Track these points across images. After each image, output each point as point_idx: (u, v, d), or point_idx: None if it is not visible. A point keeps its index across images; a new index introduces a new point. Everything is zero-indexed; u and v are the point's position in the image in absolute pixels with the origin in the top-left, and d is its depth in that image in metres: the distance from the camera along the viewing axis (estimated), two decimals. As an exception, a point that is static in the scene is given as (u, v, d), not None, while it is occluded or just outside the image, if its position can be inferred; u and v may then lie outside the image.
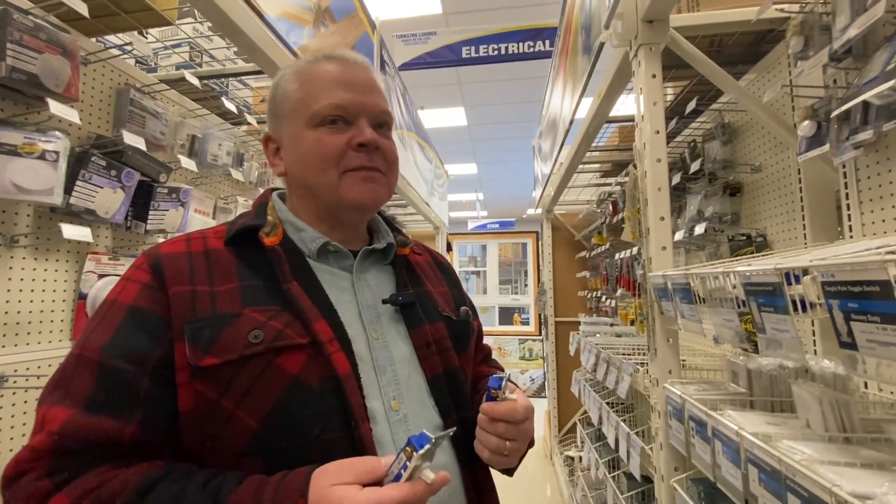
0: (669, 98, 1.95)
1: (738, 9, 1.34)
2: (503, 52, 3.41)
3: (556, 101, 3.06)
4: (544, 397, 5.13)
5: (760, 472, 0.69)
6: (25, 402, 1.16)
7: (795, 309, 0.61)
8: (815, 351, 1.23)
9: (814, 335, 1.23)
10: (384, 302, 0.66)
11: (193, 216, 1.62)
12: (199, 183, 1.76)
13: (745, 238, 1.48)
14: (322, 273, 0.64)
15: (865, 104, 0.85)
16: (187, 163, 1.54)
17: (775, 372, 0.97)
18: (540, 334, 7.02)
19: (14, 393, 1.14)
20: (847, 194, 1.05)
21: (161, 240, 1.47)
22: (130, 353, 0.53)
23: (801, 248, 1.14)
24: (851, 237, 1.04)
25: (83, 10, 1.16)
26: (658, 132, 1.23)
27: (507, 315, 8.41)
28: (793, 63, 1.05)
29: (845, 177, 1.05)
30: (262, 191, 2.08)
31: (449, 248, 5.52)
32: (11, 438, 1.13)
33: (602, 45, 1.53)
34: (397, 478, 0.44)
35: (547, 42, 3.38)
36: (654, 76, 1.25)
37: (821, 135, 1.02)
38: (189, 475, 0.49)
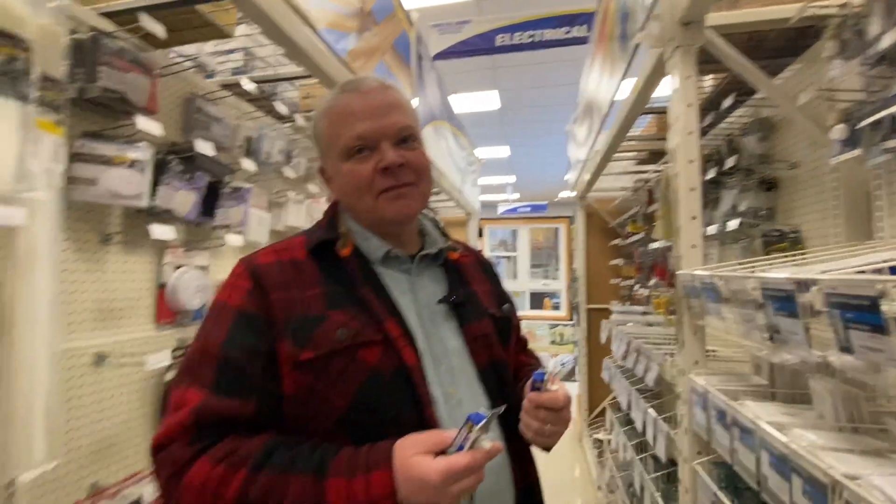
0: (708, 89, 1.94)
1: (777, 6, 1.34)
2: (537, 39, 3.40)
3: (592, 87, 3.05)
4: (574, 381, 5.21)
5: (771, 455, 0.77)
6: (120, 376, 1.35)
7: (807, 314, 0.68)
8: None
9: (842, 331, 1.26)
10: (439, 302, 0.75)
11: (252, 211, 1.78)
12: (255, 180, 1.91)
13: (778, 234, 1.50)
14: (386, 277, 0.74)
15: None
16: (247, 164, 1.69)
17: (798, 366, 1.03)
18: (571, 319, 7.04)
19: (111, 369, 1.33)
20: (879, 196, 1.07)
21: (227, 235, 1.64)
22: (244, 348, 0.64)
23: (832, 246, 1.17)
24: (881, 237, 1.06)
25: (160, 31, 1.30)
26: (691, 133, 1.27)
27: (537, 300, 8.44)
28: (830, 65, 1.07)
29: (878, 178, 1.07)
30: (311, 186, 2.20)
31: (479, 235, 5.58)
32: (111, 407, 1.33)
33: (638, 45, 1.55)
34: (460, 448, 0.55)
35: (584, 27, 3.34)
36: (688, 77, 1.28)
37: (854, 138, 1.04)
38: (299, 444, 0.61)
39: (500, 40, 3.42)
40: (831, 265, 0.67)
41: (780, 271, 0.71)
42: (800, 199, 1.50)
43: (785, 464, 0.72)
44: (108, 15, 1.33)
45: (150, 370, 1.40)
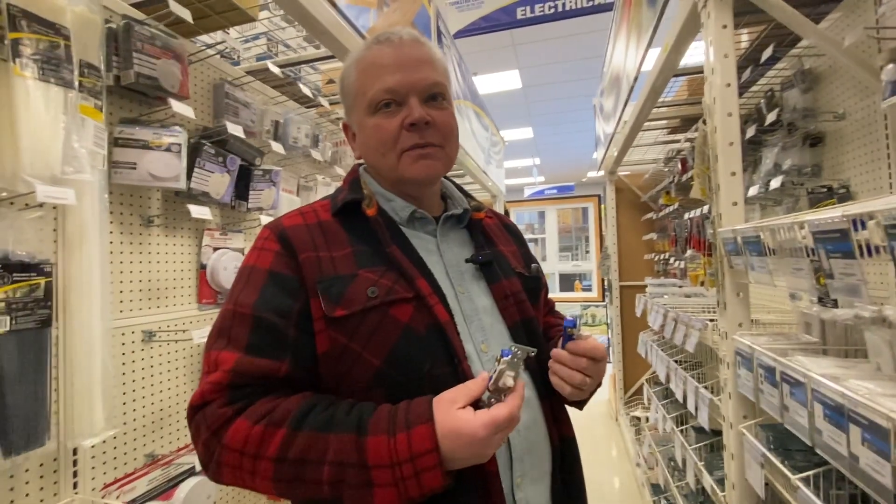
0: (744, 45, 1.84)
1: (821, -57, 1.25)
2: (560, 8, 3.29)
3: (618, 55, 2.94)
4: (609, 362, 5.13)
5: (825, 408, 0.73)
6: (168, 352, 1.42)
7: (862, 254, 0.64)
8: (901, 303, 1.19)
9: (898, 287, 1.19)
10: (467, 261, 0.75)
11: (283, 194, 1.82)
12: (283, 164, 1.95)
13: (826, 190, 1.42)
14: (412, 237, 0.73)
15: (959, 41, 0.81)
16: (276, 147, 1.72)
17: (851, 321, 0.97)
18: (603, 300, 6.93)
19: (160, 346, 1.39)
20: (941, 138, 0.99)
21: (262, 217, 1.68)
22: (277, 308, 0.64)
23: (885, 196, 1.10)
24: (944, 183, 0.99)
25: (187, 16, 1.33)
26: (729, 85, 1.21)
27: (567, 282, 8.34)
28: (878, 2, 0.99)
29: (939, 119, 1.00)
30: (337, 169, 2.23)
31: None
32: (161, 382, 1.40)
33: (668, -3, 1.48)
34: (489, 391, 0.57)
35: (607, -6, 3.21)
36: (724, 27, 1.22)
37: (910, 76, 0.97)
38: (336, 403, 0.61)
39: (521, 13, 3.33)
40: (888, 202, 0.63)
41: (831, 210, 0.67)
42: (848, 153, 1.41)
43: (841, 414, 0.69)
44: (137, 5, 1.37)
45: (196, 344, 1.47)
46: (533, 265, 0.86)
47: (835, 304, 1.28)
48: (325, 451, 0.55)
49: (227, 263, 1.56)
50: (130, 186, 1.30)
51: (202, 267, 1.53)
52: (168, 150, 1.28)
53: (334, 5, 1.47)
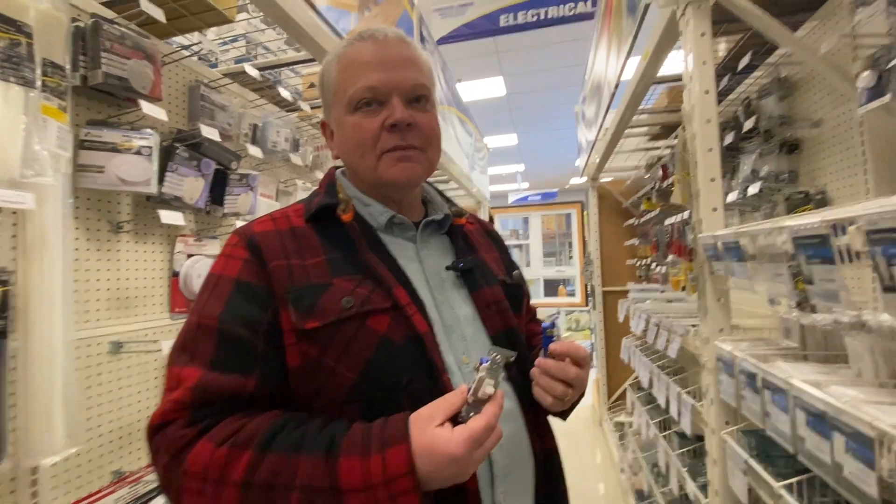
0: (721, 54, 1.87)
1: (795, -46, 1.27)
2: (543, 16, 3.32)
3: (600, 63, 2.97)
4: (593, 367, 5.15)
5: (808, 415, 0.73)
6: (137, 364, 1.36)
7: (842, 260, 0.64)
8: (876, 308, 1.20)
9: (874, 292, 1.21)
10: (447, 269, 0.72)
11: (260, 199, 1.77)
12: (262, 169, 1.91)
13: (803, 196, 1.44)
14: (390, 244, 0.71)
15: (930, 50, 0.82)
16: (254, 150, 1.68)
17: (830, 327, 0.98)
18: (586, 305, 6.97)
19: (129, 357, 1.33)
20: (913, 145, 1.01)
21: (238, 222, 1.63)
22: (244, 320, 0.60)
23: (862, 202, 1.11)
24: (917, 189, 1.01)
25: (160, 15, 1.29)
26: (707, 92, 1.22)
27: (552, 287, 8.38)
28: (853, 10, 1.01)
29: (911, 127, 1.02)
30: (318, 174, 2.20)
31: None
32: (129, 395, 1.33)
33: (648, 5, 1.50)
34: (469, 403, 0.54)
35: (589, 2, 3.26)
36: (702, 34, 1.23)
37: (882, 85, 0.98)
38: (307, 421, 0.57)
39: (504, 20, 3.36)
40: (866, 207, 0.62)
41: (811, 216, 0.67)
42: (825, 159, 1.43)
43: (824, 422, 0.68)
44: (109, 4, 1.33)
45: (166, 356, 1.41)
46: (514, 272, 0.83)
47: (813, 309, 1.29)
48: (294, 474, 0.52)
49: (201, 270, 1.51)
50: (98, 191, 1.24)
51: (175, 274, 1.47)
52: (138, 153, 1.23)
53: (314, 8, 1.45)
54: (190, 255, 1.52)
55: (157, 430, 0.57)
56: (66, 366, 1.07)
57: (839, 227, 0.63)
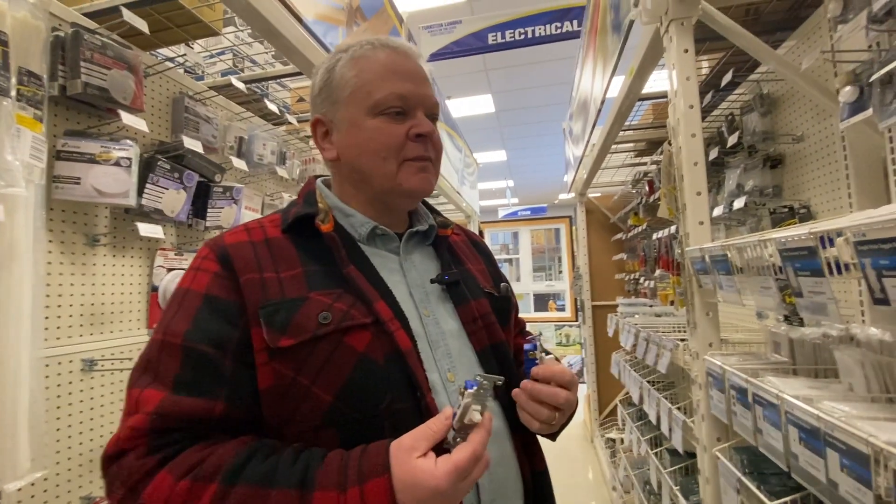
0: (704, 71, 1.91)
1: (773, -25, 1.30)
2: (529, 35, 3.38)
3: (586, 81, 3.02)
4: (583, 382, 5.12)
5: (801, 431, 0.71)
6: (112, 382, 1.31)
7: (831, 272, 0.63)
8: (864, 321, 1.20)
9: (861, 305, 1.21)
10: (432, 281, 0.70)
11: (245, 212, 1.74)
12: (248, 182, 1.88)
13: (787, 210, 1.45)
14: (373, 256, 0.68)
15: (908, 65, 0.84)
16: (238, 163, 1.65)
17: (819, 340, 0.97)
18: (576, 320, 6.97)
19: (102, 375, 1.28)
20: (894, 159, 1.02)
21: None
22: (211, 338, 0.56)
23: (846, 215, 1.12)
24: (899, 203, 1.01)
25: (144, 27, 1.27)
26: (692, 107, 1.23)
27: (541, 302, 8.38)
28: (833, 27, 1.03)
29: (892, 141, 1.03)
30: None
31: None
32: (102, 416, 1.28)
33: (632, 22, 1.52)
34: (455, 430, 0.51)
35: (574, 22, 3.32)
36: (686, 51, 1.24)
37: (863, 100, 1.00)
38: (279, 450, 0.53)
39: (491, 38, 3.41)
40: (853, 219, 0.62)
41: (798, 228, 0.66)
42: (808, 174, 1.45)
43: (817, 438, 0.67)
44: (92, 15, 1.31)
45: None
46: (502, 284, 0.81)
47: (801, 322, 1.29)
48: None
49: (181, 285, 1.47)
50: (73, 203, 1.21)
51: (154, 289, 1.43)
52: (117, 164, 1.20)
53: (301, 22, 1.44)
54: (170, 270, 1.48)
55: (112, 459, 0.52)
56: (34, 385, 1.02)
57: (826, 238, 0.62)
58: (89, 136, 1.20)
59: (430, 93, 0.69)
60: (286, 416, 0.57)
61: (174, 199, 1.38)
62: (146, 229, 1.26)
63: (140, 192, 1.29)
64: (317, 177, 0.77)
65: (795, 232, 0.66)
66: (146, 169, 1.31)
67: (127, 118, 1.22)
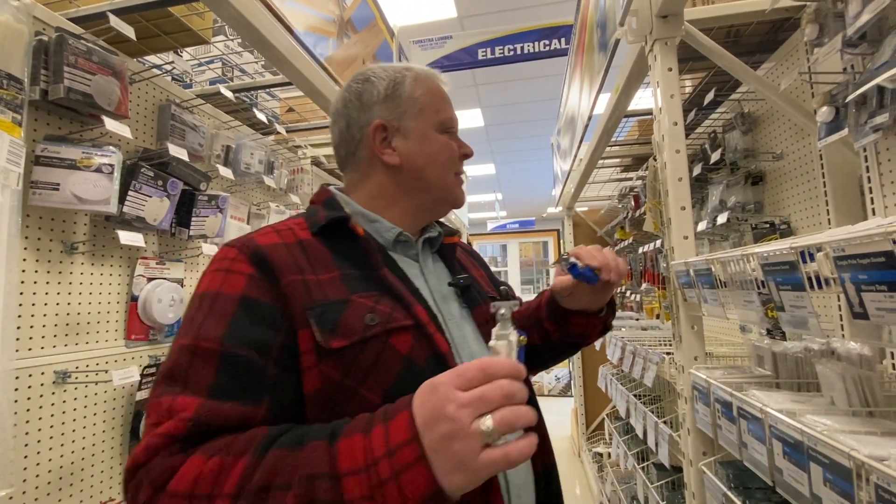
0: (688, 90, 1.96)
1: (752, -1, 1.35)
2: (519, 51, 3.43)
3: (573, 97, 3.08)
4: (570, 396, 5.11)
5: (784, 445, 0.71)
6: (86, 396, 1.26)
7: (811, 286, 0.64)
8: (843, 335, 1.22)
9: (841, 319, 1.23)
10: (450, 285, 0.73)
11: (231, 222, 1.72)
12: (234, 191, 1.86)
13: (768, 226, 1.48)
14: (398, 261, 0.69)
15: (881, 88, 0.87)
16: (225, 171, 1.63)
17: (801, 354, 0.98)
18: (564, 333, 6.96)
19: (76, 388, 1.24)
20: (869, 178, 1.05)
21: (204, 245, 1.57)
22: (253, 342, 0.54)
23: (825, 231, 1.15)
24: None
25: (131, 33, 1.26)
26: (676, 123, 1.25)
27: (529, 315, 8.37)
28: (809, 50, 1.07)
29: (867, 160, 1.06)
30: (293, 197, 2.14)
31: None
32: (74, 431, 1.23)
33: (618, 41, 1.56)
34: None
35: (562, 40, 3.39)
36: (670, 70, 1.27)
37: (839, 120, 1.03)
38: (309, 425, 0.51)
39: (482, 54, 3.45)
40: (829, 233, 0.63)
41: (780, 243, 0.67)
42: (787, 190, 1.49)
43: (801, 452, 0.67)
44: (78, 20, 1.30)
45: (118, 387, 1.31)
46: (502, 287, 0.85)
47: (783, 336, 1.30)
48: (293, 470, 0.44)
49: (162, 295, 1.43)
50: (51, 209, 1.18)
51: (133, 299, 1.39)
52: (98, 170, 1.18)
53: (292, 33, 1.45)
54: (151, 279, 1.44)
55: (138, 468, 0.48)
56: (2, 398, 0.98)
57: (807, 253, 0.63)
58: (70, 142, 1.18)
59: None
60: (331, 419, 0.53)
61: (157, 207, 1.35)
62: (127, 237, 1.24)
63: (122, 200, 1.26)
64: (327, 185, 0.77)
65: (777, 247, 0.67)
66: (129, 176, 1.28)
67: (110, 124, 1.20)
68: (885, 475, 0.50)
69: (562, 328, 0.82)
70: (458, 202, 0.76)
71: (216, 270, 0.59)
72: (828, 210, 1.27)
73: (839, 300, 1.21)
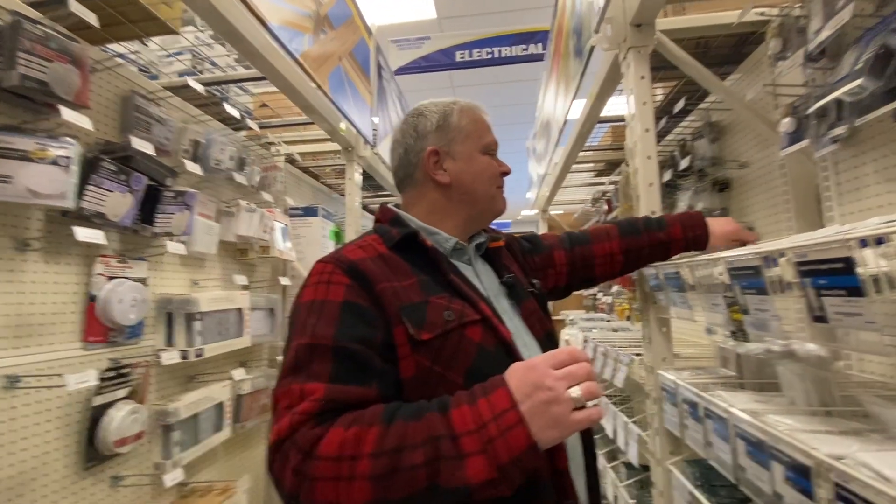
0: (659, 98, 2.01)
1: (721, 12, 1.40)
2: (496, 55, 3.46)
3: (549, 102, 3.12)
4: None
5: (747, 444, 0.73)
6: (38, 401, 1.19)
7: (775, 290, 0.66)
8: (802, 336, 1.28)
9: (800, 322, 1.28)
10: (501, 283, 0.84)
11: (198, 219, 1.66)
12: (203, 187, 1.80)
13: (733, 232, 1.53)
14: (458, 266, 0.81)
15: (839, 101, 0.91)
16: (192, 167, 1.58)
17: (763, 356, 1.02)
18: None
19: (27, 393, 1.17)
20: (828, 186, 1.10)
21: (169, 242, 1.51)
22: (359, 338, 0.65)
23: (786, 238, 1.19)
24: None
25: (93, 20, 1.20)
26: (648, 130, 1.28)
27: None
28: (773, 63, 1.11)
29: (825, 170, 1.11)
30: (265, 195, 2.09)
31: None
32: (25, 438, 1.16)
33: (593, 48, 1.58)
34: None
35: (539, 45, 3.43)
36: (642, 77, 1.30)
37: (801, 131, 1.07)
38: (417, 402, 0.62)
39: (459, 56, 3.46)
40: (794, 240, 0.66)
41: (745, 249, 0.70)
42: (752, 198, 1.54)
43: (763, 451, 0.69)
44: (37, 5, 1.22)
45: (73, 392, 1.24)
46: (534, 281, 0.93)
47: (746, 338, 1.35)
48: (417, 433, 0.56)
49: (123, 295, 1.37)
50: (3, 203, 1.11)
51: (91, 299, 1.33)
52: (54, 163, 1.12)
53: (265, 26, 1.41)
54: (112, 278, 1.38)
55: (285, 440, 0.58)
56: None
57: (771, 259, 0.65)
58: (24, 132, 1.11)
59: None
60: (426, 398, 0.64)
61: (119, 203, 1.29)
62: (84, 234, 1.18)
63: (80, 194, 1.20)
64: (385, 205, 0.89)
65: (743, 252, 0.69)
66: (89, 169, 1.22)
67: (68, 114, 1.14)
68: (842, 473, 0.52)
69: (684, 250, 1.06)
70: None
71: (317, 283, 0.71)
72: (789, 217, 1.33)
73: (798, 303, 1.26)
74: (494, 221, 0.95)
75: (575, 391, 0.55)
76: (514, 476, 0.54)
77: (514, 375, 0.59)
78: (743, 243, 1.02)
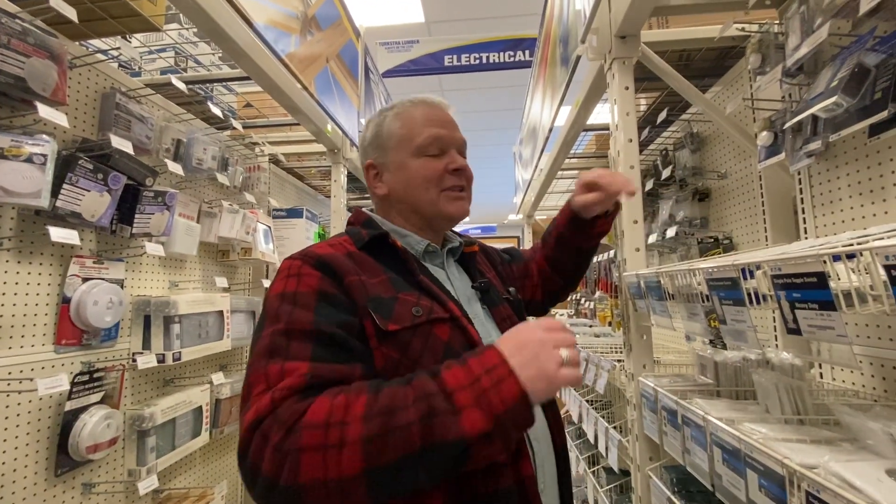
0: (642, 108, 2.05)
1: (703, 27, 1.43)
2: (484, 61, 3.48)
3: (535, 109, 3.15)
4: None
5: (724, 452, 0.75)
6: (7, 406, 1.15)
7: (751, 301, 0.67)
8: (777, 345, 1.31)
9: (775, 331, 1.32)
10: (472, 287, 0.84)
11: (178, 220, 1.63)
12: (184, 187, 1.77)
13: (713, 240, 1.56)
14: (429, 269, 0.81)
15: (814, 117, 0.94)
16: (173, 166, 1.55)
17: (739, 364, 1.04)
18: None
19: (-4, 398, 1.13)
20: (802, 199, 1.13)
21: (147, 244, 1.48)
22: (338, 322, 0.64)
23: (762, 248, 1.22)
24: (807, 238, 1.12)
25: (72, 14, 1.17)
26: (631, 140, 1.31)
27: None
28: (752, 78, 1.14)
29: (800, 183, 1.14)
30: (248, 196, 2.07)
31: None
32: (-8, 444, 1.12)
33: (579, 57, 1.61)
34: None
35: (527, 52, 3.46)
36: (626, 88, 1.33)
37: (777, 144, 1.10)
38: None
39: (448, 60, 3.47)
40: (768, 252, 0.67)
41: (723, 259, 0.71)
42: (730, 208, 1.58)
43: (738, 459, 0.70)
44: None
45: (44, 397, 1.21)
46: (511, 289, 0.93)
47: (724, 346, 1.38)
48: (408, 395, 0.54)
49: (99, 297, 1.33)
50: (-28, 201, 1.07)
51: (65, 301, 1.29)
52: (29, 160, 1.08)
53: (251, 26, 1.39)
54: (87, 279, 1.34)
55: (265, 417, 0.54)
56: None
57: (747, 270, 0.66)
58: (-3, 128, 1.08)
59: (460, 135, 0.85)
60: None
61: (96, 202, 1.26)
62: (59, 234, 1.14)
63: (55, 193, 1.17)
64: (360, 209, 0.88)
65: (721, 262, 0.71)
66: (65, 168, 1.19)
67: (44, 111, 1.11)
68: (815, 483, 0.53)
69: (586, 235, 1.01)
70: (449, 215, 0.82)
71: (287, 277, 0.69)
72: (765, 227, 1.36)
73: (773, 313, 1.29)
74: (480, 225, 0.95)
75: (563, 352, 0.57)
76: (508, 430, 0.53)
77: (504, 338, 0.59)
78: (596, 185, 0.96)
